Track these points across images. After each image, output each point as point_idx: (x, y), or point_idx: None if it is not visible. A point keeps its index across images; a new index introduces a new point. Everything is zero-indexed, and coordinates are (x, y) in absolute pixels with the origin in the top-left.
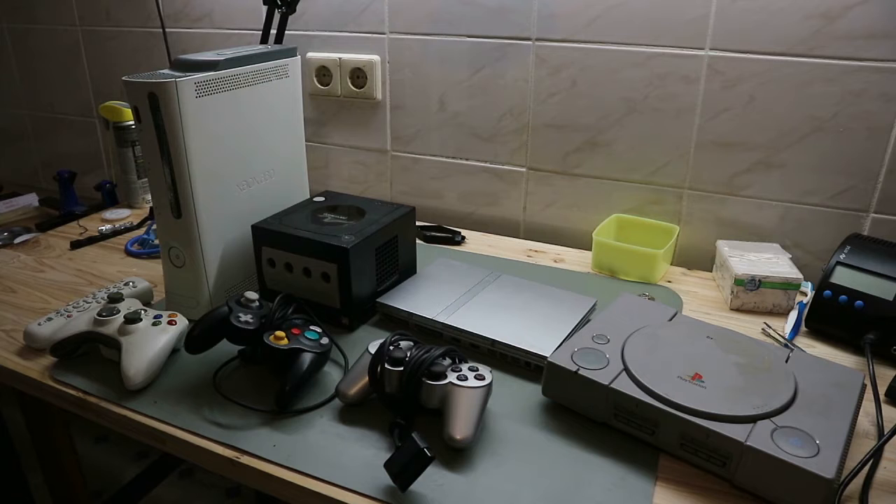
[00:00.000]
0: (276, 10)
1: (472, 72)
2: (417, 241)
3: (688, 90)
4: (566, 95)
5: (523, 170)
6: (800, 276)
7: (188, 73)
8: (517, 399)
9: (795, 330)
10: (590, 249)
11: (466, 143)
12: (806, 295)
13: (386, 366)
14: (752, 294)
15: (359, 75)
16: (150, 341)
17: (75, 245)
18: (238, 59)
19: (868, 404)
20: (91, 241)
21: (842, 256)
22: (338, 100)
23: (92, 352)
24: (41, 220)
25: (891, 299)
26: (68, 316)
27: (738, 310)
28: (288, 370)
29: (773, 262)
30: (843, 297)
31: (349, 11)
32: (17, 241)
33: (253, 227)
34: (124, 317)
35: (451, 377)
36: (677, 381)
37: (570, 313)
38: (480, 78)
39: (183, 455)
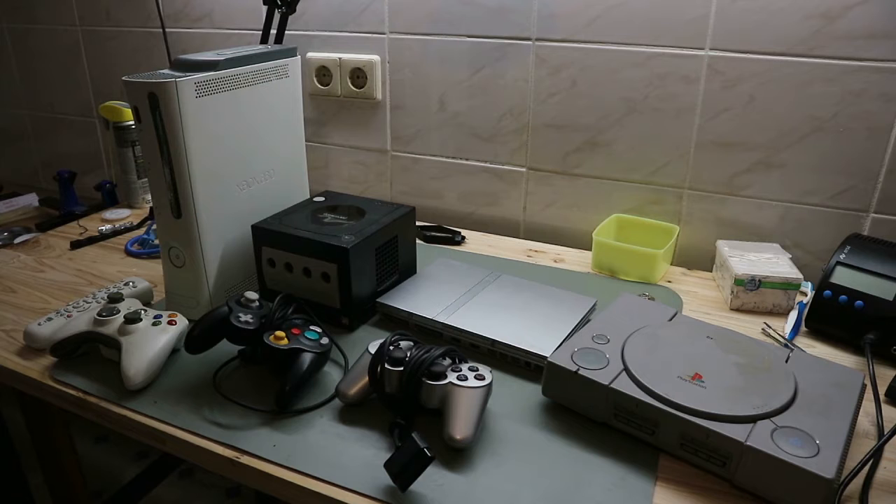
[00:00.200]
0: (276, 10)
1: (472, 72)
2: (417, 241)
3: (688, 90)
4: (566, 95)
5: (523, 170)
6: (800, 276)
7: (188, 73)
8: (517, 399)
9: (795, 330)
10: (590, 249)
11: (466, 143)
12: (806, 295)
13: (386, 366)
14: (752, 294)
15: (359, 75)
16: (150, 341)
17: (75, 245)
18: (238, 59)
19: (868, 404)
20: (91, 241)
21: (842, 256)
22: (338, 100)
23: (92, 352)
24: (41, 220)
25: (891, 299)
26: (68, 316)
27: (738, 310)
28: (288, 370)
29: (773, 262)
30: (843, 297)
31: (349, 11)
32: (17, 241)
33: (253, 227)
34: (124, 317)
35: (451, 377)
36: (677, 381)
37: (570, 313)
38: (480, 78)
39: (183, 455)
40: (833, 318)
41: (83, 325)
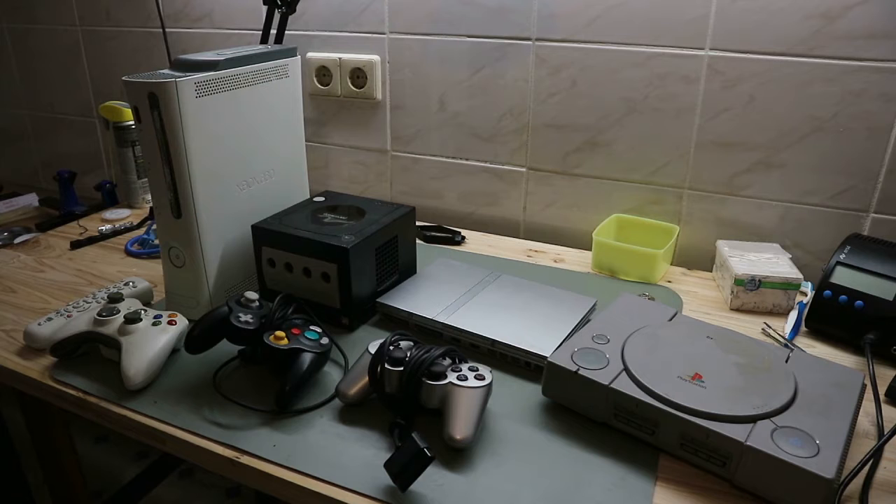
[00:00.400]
0: (276, 10)
1: (472, 72)
2: (417, 241)
3: (688, 90)
4: (566, 95)
5: (523, 170)
6: (800, 276)
7: (188, 73)
8: (517, 399)
9: (795, 330)
10: (590, 249)
11: (466, 143)
12: (806, 295)
13: (386, 366)
14: (752, 294)
15: (359, 75)
16: (150, 341)
17: (75, 245)
18: (238, 59)
19: (868, 404)
20: (91, 241)
21: (842, 256)
22: (338, 100)
23: (92, 352)
24: (41, 220)
25: (891, 299)
26: (68, 316)
27: (738, 310)
28: (288, 370)
29: (773, 262)
30: (843, 297)
31: (349, 11)
32: (17, 241)
33: (253, 227)
34: (124, 317)
35: (451, 377)
36: (677, 381)
37: (570, 313)
38: (480, 78)
39: (183, 455)
40: (833, 318)
41: (83, 325)
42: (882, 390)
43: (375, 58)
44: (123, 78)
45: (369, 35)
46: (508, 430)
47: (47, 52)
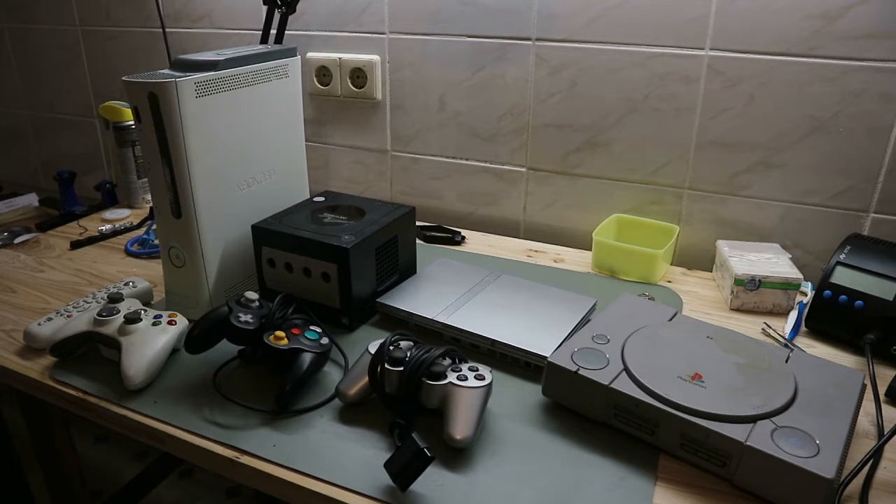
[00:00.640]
0: (276, 10)
1: (472, 72)
2: (417, 241)
3: (688, 90)
4: (566, 95)
5: (523, 170)
6: (800, 276)
7: (188, 73)
8: (517, 399)
9: (795, 330)
10: (590, 249)
11: (466, 143)
12: (806, 295)
13: (386, 366)
14: (752, 294)
15: (359, 75)
16: (150, 341)
17: (75, 245)
18: (238, 59)
19: (868, 404)
20: (91, 241)
21: (842, 256)
22: (338, 100)
23: (92, 352)
24: (41, 220)
25: (891, 299)
26: (68, 316)
27: (738, 310)
28: (288, 370)
29: (773, 262)
30: (843, 297)
31: (349, 11)
32: (17, 241)
33: (253, 227)
34: (124, 317)
35: (451, 377)
36: (677, 381)
37: (570, 313)
38: (480, 78)
39: (183, 455)
40: (833, 318)
41: (83, 325)
42: (882, 390)
43: (375, 58)
44: (123, 78)
45: (369, 35)
46: (508, 430)
47: (47, 52)
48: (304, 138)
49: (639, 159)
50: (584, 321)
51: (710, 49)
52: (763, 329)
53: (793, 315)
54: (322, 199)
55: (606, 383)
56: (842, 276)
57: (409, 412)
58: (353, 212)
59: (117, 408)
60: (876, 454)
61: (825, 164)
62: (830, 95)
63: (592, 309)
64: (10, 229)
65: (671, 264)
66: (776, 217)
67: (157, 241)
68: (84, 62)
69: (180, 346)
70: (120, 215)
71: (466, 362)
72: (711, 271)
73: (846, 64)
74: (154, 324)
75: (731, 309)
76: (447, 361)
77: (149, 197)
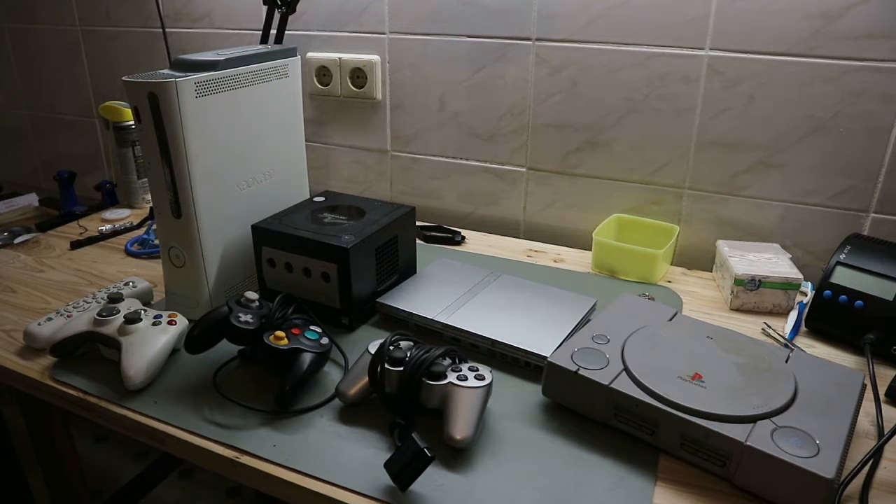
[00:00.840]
0: (276, 10)
1: (472, 72)
2: (417, 241)
3: (688, 90)
4: (566, 95)
5: (523, 170)
6: (800, 276)
7: (188, 73)
8: (517, 399)
9: (795, 330)
10: (590, 249)
11: (466, 143)
12: (806, 295)
13: (386, 366)
14: (752, 294)
15: (359, 75)
16: (150, 341)
17: (75, 245)
18: (238, 59)
19: (868, 404)
20: (91, 241)
21: (842, 256)
22: (338, 100)
23: (92, 352)
24: (41, 220)
25: (891, 299)
26: (68, 316)
27: (738, 310)
28: (288, 370)
29: (773, 262)
30: (843, 297)
31: (349, 11)
32: (17, 241)
33: (253, 227)
34: (124, 317)
35: (451, 377)
36: (677, 381)
37: (570, 313)
38: (480, 78)
39: (183, 455)
40: (833, 318)
41: (83, 325)
42: (882, 390)
43: (375, 58)
44: (123, 78)
45: (369, 35)
46: (508, 430)
47: (47, 52)
48: (304, 138)
49: (639, 159)
50: (584, 321)
51: (710, 49)
52: (763, 329)
53: (793, 315)
54: (322, 199)
55: (606, 383)
56: (842, 276)
57: (409, 412)
58: (353, 212)
59: (117, 408)
60: (876, 454)
61: (825, 164)
62: (830, 95)
63: (592, 309)
64: (10, 229)
65: (671, 264)
66: (776, 217)
67: (157, 241)
68: (84, 62)
69: (180, 346)
70: (120, 215)
71: (466, 362)
72: (711, 271)
73: (846, 64)
74: (154, 324)
75: (731, 309)
76: (447, 361)
77: (149, 197)
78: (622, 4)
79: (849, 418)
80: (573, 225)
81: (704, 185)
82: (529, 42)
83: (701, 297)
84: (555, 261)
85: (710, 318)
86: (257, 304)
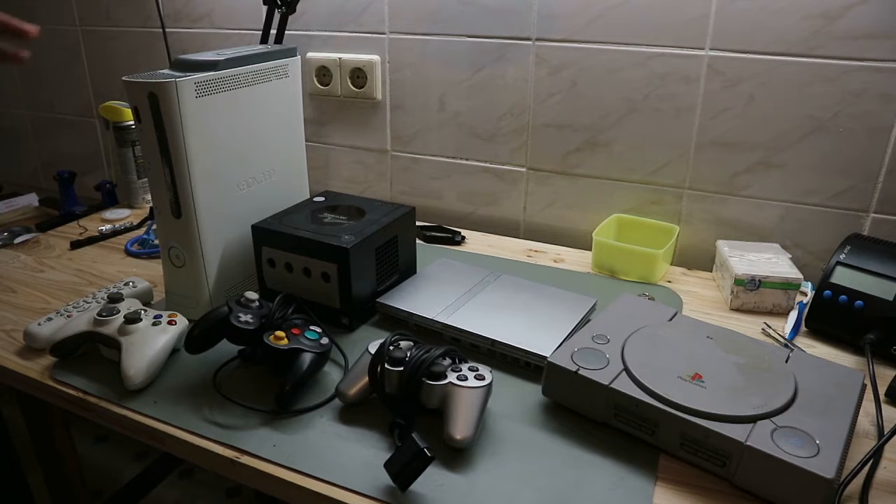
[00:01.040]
0: (276, 10)
1: (472, 72)
2: (417, 241)
3: (688, 90)
4: (566, 95)
5: (523, 170)
6: (800, 276)
7: (188, 73)
8: (517, 399)
9: (795, 330)
10: (590, 249)
11: (466, 143)
12: (806, 295)
13: (386, 366)
14: (752, 294)
15: (359, 75)
16: (150, 341)
17: (75, 245)
18: (238, 59)
19: (868, 404)
20: (91, 241)
21: (842, 256)
22: (338, 100)
23: (92, 352)
24: (41, 220)
25: (891, 299)
26: (68, 316)
27: (738, 310)
28: (288, 370)
29: (773, 262)
30: (843, 297)
31: (349, 11)
32: (17, 241)
33: (253, 227)
34: (124, 317)
35: (451, 377)
36: (677, 381)
37: (570, 313)
38: (480, 78)
39: (183, 455)
40: (833, 318)
41: (83, 325)
42: (882, 390)
43: (375, 58)
44: (123, 78)
45: (369, 35)
46: (508, 430)
47: (47, 52)
48: (304, 138)
49: (639, 159)
50: (584, 321)
51: (710, 49)
52: (763, 329)
53: (793, 315)
54: (322, 199)
55: (606, 383)
56: (842, 276)
57: (409, 412)
58: (353, 212)
59: (117, 408)
60: (876, 454)
61: (825, 164)
62: (830, 95)
63: (592, 309)
64: (10, 229)
65: (671, 264)
66: (776, 217)
67: (157, 241)
68: (84, 62)
69: (180, 346)
70: (120, 215)
71: (466, 362)
72: (711, 271)
73: (846, 64)
74: (154, 324)
75: (731, 309)
76: (447, 361)
77: (149, 197)
78: (622, 4)
79: (849, 418)
80: (573, 225)
81: (704, 185)
82: (529, 42)
83: (701, 297)
84: (555, 261)
85: (710, 318)
86: (257, 304)
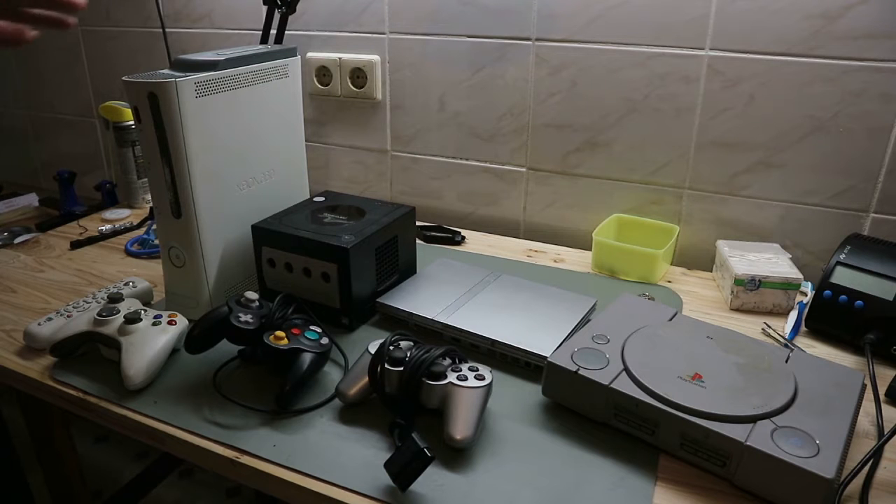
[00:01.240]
0: (276, 10)
1: (472, 72)
2: (417, 241)
3: (688, 90)
4: (566, 95)
5: (523, 170)
6: (800, 276)
7: (188, 73)
8: (517, 399)
9: (795, 330)
10: (590, 249)
11: (466, 143)
12: (806, 295)
13: (386, 366)
14: (752, 294)
15: (359, 75)
16: (150, 341)
17: (75, 245)
18: (238, 59)
19: (868, 404)
20: (91, 241)
21: (842, 256)
22: (338, 100)
23: (92, 352)
24: (41, 220)
25: (891, 299)
26: (68, 316)
27: (738, 310)
28: (288, 370)
29: (773, 262)
30: (843, 297)
31: (349, 11)
32: (17, 241)
33: (253, 227)
34: (124, 317)
35: (451, 377)
36: (677, 381)
37: (570, 313)
38: (480, 78)
39: (183, 455)
40: (833, 318)
41: (83, 325)
42: (882, 390)
43: (375, 58)
44: (123, 78)
45: (369, 35)
46: (508, 430)
47: (47, 52)
48: (304, 138)
49: (639, 159)
50: (584, 321)
51: (710, 49)
52: (763, 329)
53: (793, 315)
54: (322, 199)
55: (606, 383)
56: (842, 276)
57: (409, 412)
58: (353, 212)
59: (117, 408)
60: (876, 454)
61: (825, 164)
62: (830, 95)
63: (592, 309)
64: (10, 229)
65: (671, 264)
66: (776, 217)
67: (157, 241)
68: (84, 62)
69: (180, 346)
70: (120, 215)
71: (466, 362)
72: (711, 271)
73: (846, 64)
74: (154, 324)
75: (731, 309)
76: (447, 361)
77: (149, 197)
78: (622, 4)
79: (849, 418)
80: (573, 225)
81: (704, 185)
82: (529, 42)
83: (701, 297)
84: (555, 261)
85: (710, 318)
86: (257, 304)
